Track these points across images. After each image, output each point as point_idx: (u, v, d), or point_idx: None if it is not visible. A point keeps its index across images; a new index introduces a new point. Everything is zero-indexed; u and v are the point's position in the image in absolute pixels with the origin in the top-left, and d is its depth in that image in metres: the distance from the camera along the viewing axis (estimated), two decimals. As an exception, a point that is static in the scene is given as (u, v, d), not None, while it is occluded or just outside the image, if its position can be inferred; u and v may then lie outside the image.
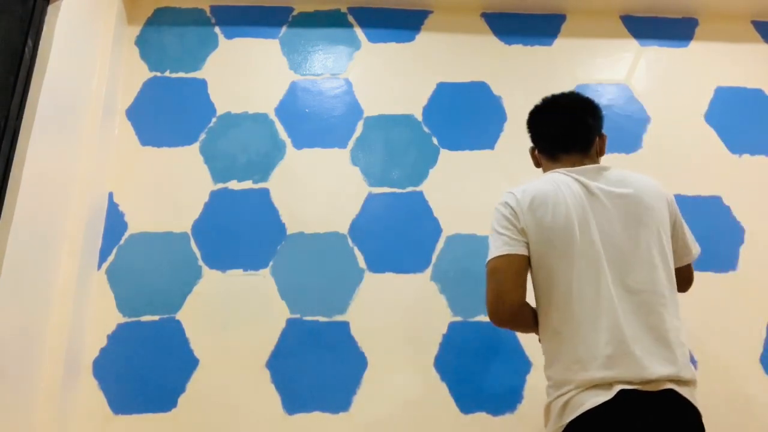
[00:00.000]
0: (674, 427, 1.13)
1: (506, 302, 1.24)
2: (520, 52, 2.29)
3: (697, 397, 1.19)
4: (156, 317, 1.86)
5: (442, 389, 1.82)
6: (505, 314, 1.26)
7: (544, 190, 1.29)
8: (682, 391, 1.15)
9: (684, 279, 1.38)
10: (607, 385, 1.14)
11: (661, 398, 1.13)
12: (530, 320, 1.31)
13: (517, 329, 1.46)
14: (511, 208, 1.30)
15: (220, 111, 2.12)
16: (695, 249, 1.40)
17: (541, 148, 1.46)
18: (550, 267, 1.25)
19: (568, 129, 1.41)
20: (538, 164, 1.50)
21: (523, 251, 1.26)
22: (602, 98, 2.22)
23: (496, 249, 1.27)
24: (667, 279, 1.25)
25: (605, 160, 2.10)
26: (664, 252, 1.27)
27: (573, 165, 1.37)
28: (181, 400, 1.78)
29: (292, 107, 2.14)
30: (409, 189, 2.05)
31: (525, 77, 2.24)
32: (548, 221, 1.25)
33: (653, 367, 1.14)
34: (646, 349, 1.16)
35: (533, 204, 1.27)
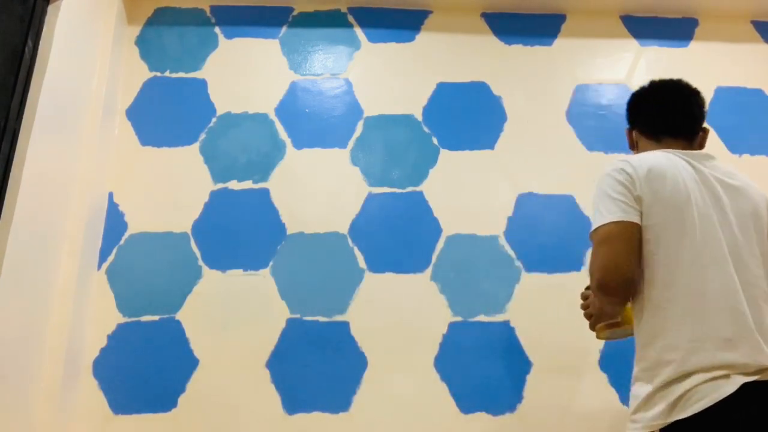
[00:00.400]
0: None
1: (621, 272, 1.15)
2: (520, 52, 2.29)
3: None
4: (156, 317, 1.86)
5: (442, 389, 1.82)
6: (618, 285, 1.17)
7: (661, 163, 1.23)
8: None
9: None
10: (724, 375, 1.05)
11: None
12: (634, 291, 1.22)
13: (621, 303, 1.30)
14: (627, 174, 1.22)
15: (220, 111, 2.12)
16: None
17: (645, 128, 1.40)
18: (664, 241, 1.17)
19: (678, 112, 1.36)
20: (632, 146, 1.45)
21: (638, 220, 1.18)
22: (602, 98, 2.22)
23: (610, 214, 1.18)
24: (766, 278, 1.21)
25: (607, 157, 2.11)
26: (765, 251, 1.23)
27: (677, 148, 1.31)
28: (181, 400, 1.78)
29: (292, 107, 2.14)
30: (409, 189, 2.05)
31: (525, 77, 2.24)
32: (666, 194, 1.19)
33: None
34: (763, 339, 1.10)
35: (651, 174, 1.21)
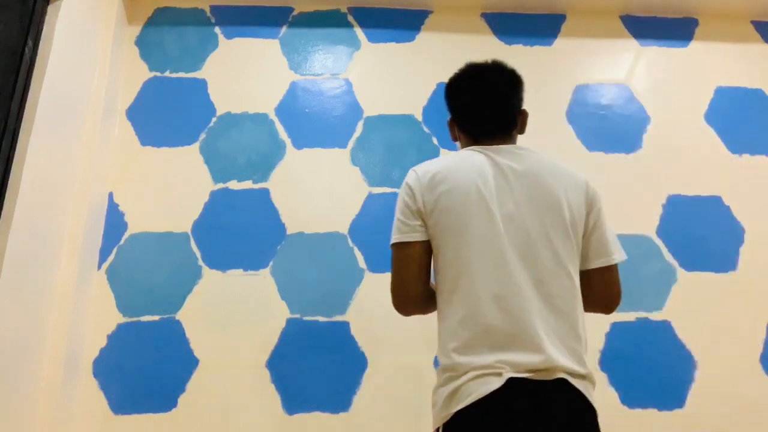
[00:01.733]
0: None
1: (403, 291, 1.20)
2: (520, 52, 2.29)
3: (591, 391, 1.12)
4: (156, 317, 1.86)
5: (442, 389, 1.82)
6: (408, 304, 1.22)
7: (448, 167, 1.23)
8: (575, 382, 1.07)
9: (601, 285, 1.23)
10: (495, 373, 1.05)
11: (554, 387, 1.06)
12: (431, 305, 1.24)
13: (419, 313, 1.30)
14: (409, 187, 1.24)
15: (220, 111, 2.12)
16: (617, 254, 1.23)
17: (462, 128, 1.36)
18: (444, 249, 1.16)
19: (492, 114, 1.31)
20: (455, 138, 1.41)
21: (417, 237, 1.19)
22: (602, 98, 2.22)
23: (392, 236, 1.22)
24: (569, 274, 1.15)
25: (607, 157, 2.12)
26: (569, 244, 1.17)
27: (494, 144, 1.28)
28: (181, 400, 1.78)
29: (292, 107, 2.14)
30: (409, 189, 2.05)
31: (525, 77, 2.23)
32: (447, 200, 1.17)
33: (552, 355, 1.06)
34: (546, 335, 1.08)
35: (433, 182, 1.21)
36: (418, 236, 1.20)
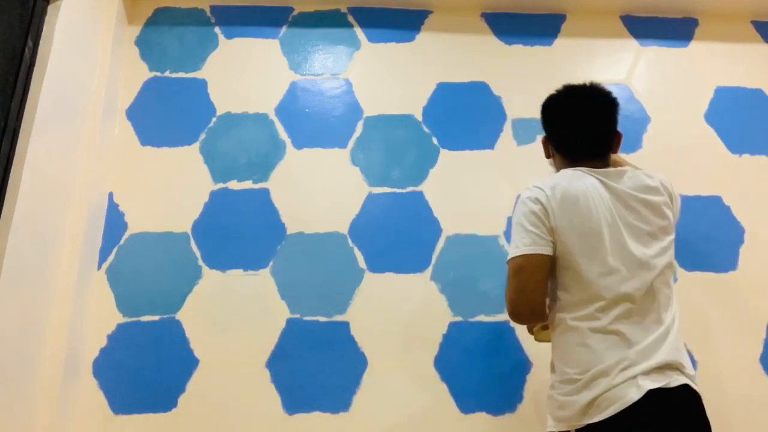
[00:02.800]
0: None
1: (529, 303, 1.27)
2: (520, 52, 2.29)
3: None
4: (156, 317, 1.86)
5: (442, 389, 1.82)
6: (525, 315, 1.31)
7: (574, 189, 1.29)
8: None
9: None
10: (631, 377, 1.16)
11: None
12: (546, 315, 1.34)
13: (531, 324, 1.48)
14: (541, 204, 1.28)
15: (220, 111, 2.12)
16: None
17: (560, 150, 1.44)
18: (577, 267, 1.25)
19: (589, 137, 1.40)
20: (548, 155, 1.49)
21: (549, 251, 1.26)
22: (602, 98, 2.22)
23: (524, 246, 1.26)
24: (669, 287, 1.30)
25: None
26: (670, 257, 1.32)
27: (592, 167, 1.36)
28: (181, 400, 1.78)
29: (292, 107, 2.14)
30: (409, 189, 2.05)
31: (525, 77, 2.24)
32: (579, 221, 1.25)
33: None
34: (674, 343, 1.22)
35: (563, 202, 1.27)
36: (550, 250, 1.27)
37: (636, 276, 1.23)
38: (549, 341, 1.43)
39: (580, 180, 1.31)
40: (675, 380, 1.16)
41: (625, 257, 1.24)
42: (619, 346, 1.18)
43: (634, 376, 1.14)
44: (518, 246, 1.27)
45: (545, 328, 1.42)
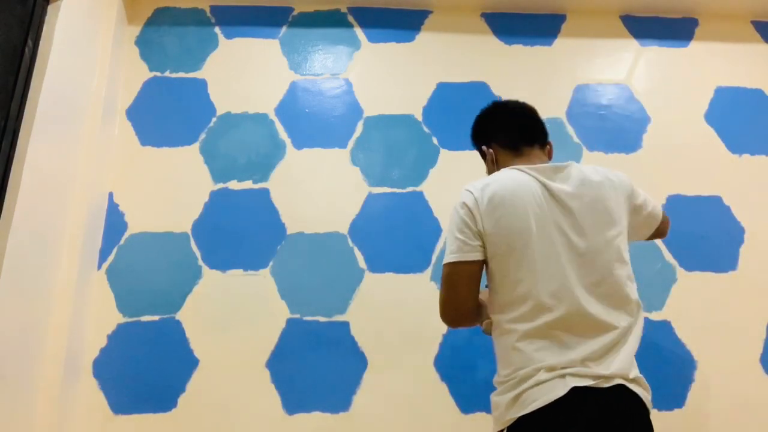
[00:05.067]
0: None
1: (457, 309, 1.28)
2: (520, 52, 2.29)
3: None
4: (156, 317, 1.86)
5: (442, 389, 1.82)
6: (454, 320, 1.32)
7: (503, 188, 1.27)
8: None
9: (662, 231, 1.49)
10: (559, 376, 1.14)
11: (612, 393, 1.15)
12: (479, 317, 1.35)
13: (464, 326, 1.44)
14: (468, 209, 1.29)
15: (220, 111, 2.12)
16: (659, 213, 1.44)
17: (503, 142, 1.44)
18: (507, 268, 1.23)
19: (529, 124, 1.44)
20: (493, 164, 1.47)
21: (477, 256, 1.25)
22: (602, 98, 2.22)
23: (450, 254, 1.26)
24: (626, 278, 1.26)
25: (607, 157, 2.12)
26: (622, 251, 1.27)
27: (532, 161, 1.37)
28: (181, 400, 1.78)
29: (292, 107, 2.14)
30: (409, 189, 2.05)
31: (525, 77, 2.24)
32: (506, 222, 1.24)
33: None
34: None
35: (492, 203, 1.26)
36: (478, 256, 1.26)
37: (569, 276, 1.20)
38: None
39: (513, 179, 1.30)
40: (608, 381, 1.13)
41: (557, 256, 1.21)
42: (552, 350, 1.17)
43: (563, 376, 1.13)
44: (447, 254, 1.27)
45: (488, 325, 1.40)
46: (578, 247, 1.23)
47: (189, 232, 1.96)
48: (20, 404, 1.54)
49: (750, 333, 1.93)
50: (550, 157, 1.47)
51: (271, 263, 1.94)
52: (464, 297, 1.26)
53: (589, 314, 1.18)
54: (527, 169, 1.32)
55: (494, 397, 1.24)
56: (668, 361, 1.87)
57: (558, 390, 1.11)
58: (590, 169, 1.34)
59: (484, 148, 1.48)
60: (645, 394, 1.18)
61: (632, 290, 1.25)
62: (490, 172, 1.48)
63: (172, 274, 1.91)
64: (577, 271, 1.21)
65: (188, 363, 1.82)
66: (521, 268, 1.22)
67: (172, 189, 2.01)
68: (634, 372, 1.18)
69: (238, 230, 1.97)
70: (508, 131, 1.44)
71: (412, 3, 2.30)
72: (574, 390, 1.11)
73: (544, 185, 1.28)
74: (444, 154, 2.11)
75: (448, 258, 1.26)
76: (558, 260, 1.21)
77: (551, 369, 1.14)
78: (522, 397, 1.15)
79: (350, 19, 2.29)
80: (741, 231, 2.05)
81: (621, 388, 1.14)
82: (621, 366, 1.15)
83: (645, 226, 1.42)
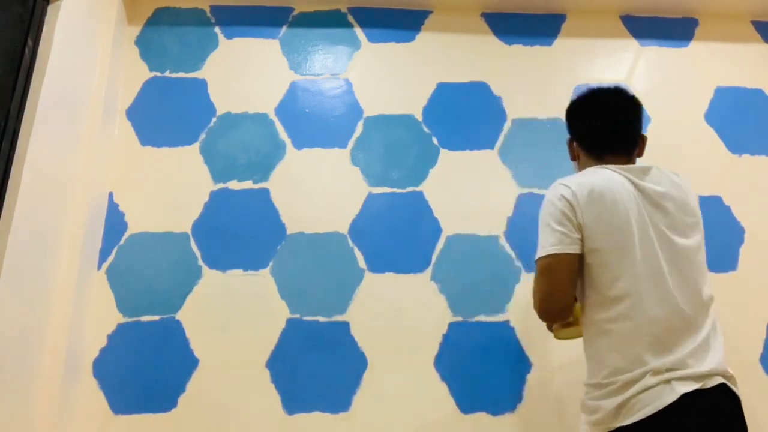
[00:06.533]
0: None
1: (558, 302, 1.25)
2: (520, 52, 2.28)
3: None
4: (156, 317, 1.86)
5: (442, 389, 1.82)
6: (554, 314, 1.29)
7: (601, 184, 1.27)
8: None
9: None
10: (665, 381, 1.13)
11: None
12: (571, 314, 1.32)
13: (558, 322, 1.42)
14: (567, 201, 1.26)
15: (220, 111, 2.12)
16: None
17: (586, 147, 1.43)
18: (607, 264, 1.22)
19: (615, 131, 1.39)
20: (574, 157, 1.48)
21: (576, 249, 1.24)
22: (602, 98, 2.22)
23: (550, 246, 1.24)
24: (707, 276, 1.30)
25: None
26: (704, 251, 1.32)
27: (617, 164, 1.35)
28: (181, 400, 1.78)
29: (292, 107, 2.14)
30: (409, 189, 2.05)
31: (525, 77, 2.24)
32: (607, 217, 1.23)
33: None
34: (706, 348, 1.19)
35: (591, 198, 1.24)
36: (578, 249, 1.24)
37: (667, 275, 1.21)
38: (569, 338, 1.44)
39: (606, 176, 1.29)
40: (711, 381, 1.15)
41: (656, 255, 1.22)
42: (653, 352, 1.16)
43: (669, 381, 1.13)
44: (545, 246, 1.25)
45: (566, 326, 1.40)
46: (676, 245, 1.24)
47: (189, 232, 1.96)
48: (20, 404, 1.54)
49: (750, 333, 1.93)
50: (640, 154, 1.44)
51: (271, 263, 1.94)
52: (564, 289, 1.23)
53: (686, 313, 1.19)
54: (617, 168, 1.32)
55: (591, 402, 1.22)
56: (668, 361, 1.88)
57: (666, 396, 1.11)
58: (668, 172, 1.36)
59: (568, 138, 1.48)
60: (738, 392, 1.20)
61: (709, 287, 1.28)
62: (573, 160, 1.50)
63: (172, 274, 1.91)
64: (674, 270, 1.22)
65: (188, 363, 1.81)
66: (622, 265, 1.20)
67: (172, 189, 2.01)
68: (729, 369, 1.20)
69: (238, 230, 1.97)
70: (592, 136, 1.42)
71: (412, 3, 2.30)
72: (683, 396, 1.11)
73: (636, 185, 1.28)
74: (444, 154, 2.11)
75: (548, 250, 1.24)
76: (657, 259, 1.21)
77: (656, 372, 1.13)
78: (630, 403, 1.13)
79: (350, 19, 2.29)
80: (741, 231, 2.05)
81: (723, 388, 1.16)
82: (718, 362, 1.16)
83: None
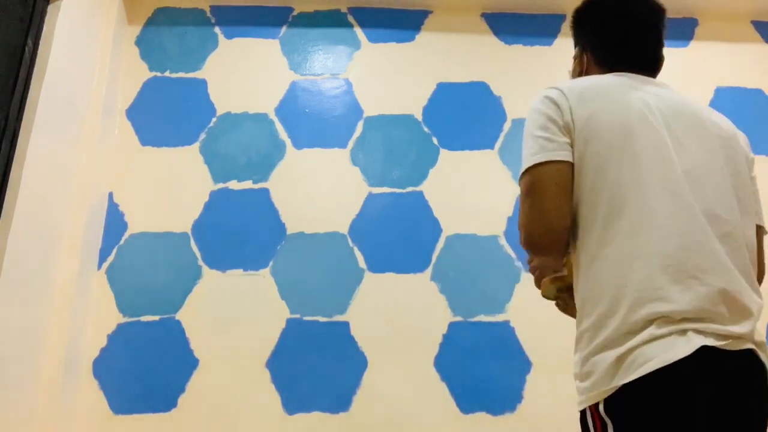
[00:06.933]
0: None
1: (548, 224, 0.95)
2: (520, 52, 2.28)
3: None
4: (156, 317, 1.86)
5: (442, 389, 1.82)
6: (547, 239, 0.97)
7: (601, 82, 1.03)
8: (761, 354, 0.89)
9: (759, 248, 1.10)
10: (680, 331, 0.84)
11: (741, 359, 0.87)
12: (567, 248, 1.02)
13: (555, 258, 1.06)
14: (551, 100, 1.00)
15: (220, 111, 2.12)
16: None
17: (602, 56, 1.13)
18: (602, 171, 0.94)
19: (645, 39, 1.12)
20: (580, 72, 1.19)
21: (566, 156, 0.96)
22: (602, 98, 2.22)
23: (531, 156, 0.97)
24: (750, 221, 0.99)
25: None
26: (749, 189, 1.02)
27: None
28: (181, 400, 1.78)
29: (292, 107, 2.14)
30: (409, 189, 2.05)
31: (525, 77, 2.24)
32: (605, 114, 0.96)
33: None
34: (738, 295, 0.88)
35: (585, 93, 0.99)
36: (567, 155, 0.96)
37: (684, 187, 0.92)
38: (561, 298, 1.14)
39: (612, 78, 1.05)
40: (739, 344, 0.86)
41: (670, 162, 0.93)
42: (666, 289, 0.86)
43: (684, 331, 0.83)
44: (527, 158, 0.98)
45: (557, 279, 1.09)
46: (692, 155, 0.95)
47: (189, 232, 1.96)
48: (20, 404, 1.54)
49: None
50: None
51: (271, 263, 1.94)
52: (556, 207, 0.95)
53: (713, 244, 0.89)
54: (627, 74, 1.07)
55: (586, 357, 0.90)
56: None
57: (679, 348, 0.82)
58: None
59: (577, 49, 1.20)
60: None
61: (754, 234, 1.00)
62: (573, 76, 1.22)
63: (172, 274, 1.91)
64: (698, 186, 0.93)
65: (188, 363, 1.81)
66: (621, 170, 0.92)
67: (172, 189, 2.01)
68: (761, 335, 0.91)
69: (238, 230, 1.97)
70: (611, 44, 1.12)
71: (412, 3, 2.29)
72: (701, 350, 0.82)
73: (643, 89, 1.03)
74: (444, 154, 2.11)
75: (528, 161, 0.98)
76: (671, 165, 0.92)
77: (668, 320, 0.84)
78: (630, 356, 0.84)
79: (350, 19, 2.29)
80: (741, 231, 2.05)
81: (751, 355, 0.87)
82: (754, 324, 0.89)
83: None
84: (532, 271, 1.15)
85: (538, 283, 1.14)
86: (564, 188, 0.96)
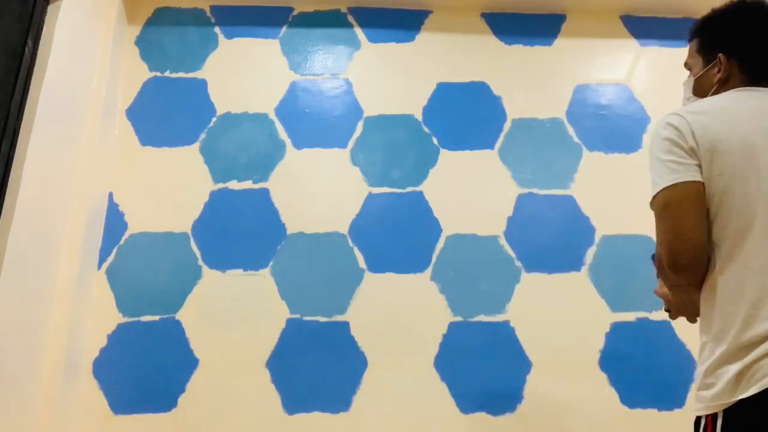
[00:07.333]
0: None
1: (688, 242, 0.98)
2: (520, 52, 2.28)
3: None
4: (156, 317, 1.86)
5: (442, 389, 1.82)
6: (688, 258, 0.99)
7: (720, 102, 1.05)
8: None
9: None
10: None
11: None
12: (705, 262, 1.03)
13: (695, 277, 1.05)
14: (673, 127, 1.03)
15: (220, 111, 2.12)
16: None
17: (751, 65, 1.11)
18: (730, 192, 0.97)
19: None
20: (721, 79, 1.14)
21: (695, 176, 0.99)
22: (602, 98, 2.22)
23: (661, 179, 1.01)
24: None
25: (607, 157, 2.12)
26: None
27: None
28: (181, 400, 1.78)
29: (292, 107, 2.14)
30: (409, 189, 2.05)
31: (525, 77, 2.24)
32: (729, 135, 0.98)
33: None
34: None
35: (706, 116, 1.02)
36: (697, 175, 0.99)
37: None
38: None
39: (730, 96, 1.06)
40: None
41: None
42: None
43: None
44: (655, 182, 1.02)
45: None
46: None
47: (189, 232, 1.96)
48: (20, 404, 1.54)
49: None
50: None
51: (271, 263, 1.94)
52: (693, 223, 0.97)
53: None
54: (757, 89, 1.06)
55: (708, 369, 0.94)
56: (668, 361, 1.88)
57: None
58: None
59: (720, 56, 1.14)
60: None
61: None
62: (699, 90, 1.19)
63: (172, 274, 1.91)
64: None
65: (188, 363, 1.82)
66: (749, 188, 0.96)
67: (172, 189, 2.01)
68: None
69: (238, 230, 1.97)
70: (761, 55, 1.10)
71: (412, 3, 2.30)
72: None
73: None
74: (444, 154, 2.11)
75: (662, 183, 1.01)
76: None
77: None
78: (751, 369, 0.87)
79: (350, 19, 2.29)
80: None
81: None
82: None
83: None
84: (667, 311, 1.19)
85: (668, 308, 1.19)
86: (698, 205, 0.99)
